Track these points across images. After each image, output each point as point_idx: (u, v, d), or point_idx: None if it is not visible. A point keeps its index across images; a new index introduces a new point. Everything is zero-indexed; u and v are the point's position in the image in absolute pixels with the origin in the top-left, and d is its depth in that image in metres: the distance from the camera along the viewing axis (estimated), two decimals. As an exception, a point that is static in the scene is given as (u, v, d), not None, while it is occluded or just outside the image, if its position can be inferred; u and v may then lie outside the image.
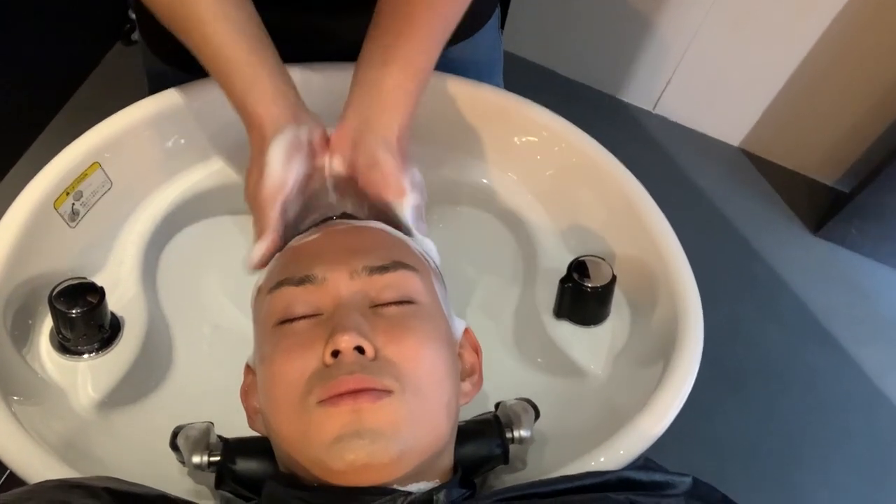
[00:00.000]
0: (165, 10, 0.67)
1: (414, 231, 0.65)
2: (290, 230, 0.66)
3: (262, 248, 0.63)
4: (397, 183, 0.64)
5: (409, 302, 0.56)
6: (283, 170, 0.63)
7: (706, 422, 1.55)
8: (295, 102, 0.67)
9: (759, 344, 1.69)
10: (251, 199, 0.65)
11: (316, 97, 0.83)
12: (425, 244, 0.66)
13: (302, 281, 0.56)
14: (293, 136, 0.64)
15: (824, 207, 1.89)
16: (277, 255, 0.63)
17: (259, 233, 0.63)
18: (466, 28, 0.87)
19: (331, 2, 0.80)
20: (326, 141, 0.68)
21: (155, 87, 0.80)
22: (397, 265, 0.57)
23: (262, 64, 0.66)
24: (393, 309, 0.55)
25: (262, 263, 0.63)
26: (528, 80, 1.97)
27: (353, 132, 0.66)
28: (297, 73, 0.81)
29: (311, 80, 0.81)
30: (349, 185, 0.68)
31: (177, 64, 0.85)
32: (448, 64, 0.85)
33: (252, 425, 0.60)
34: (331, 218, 0.67)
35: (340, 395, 0.48)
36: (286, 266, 0.59)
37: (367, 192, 0.66)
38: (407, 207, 0.65)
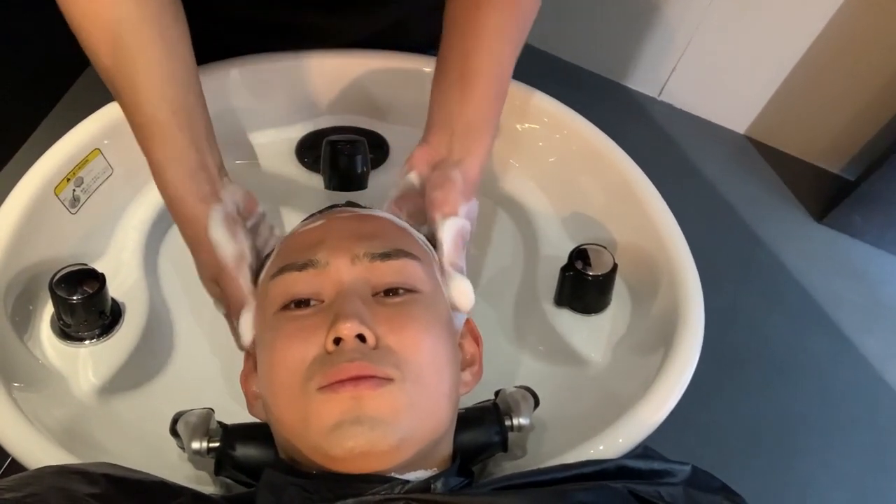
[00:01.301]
0: (102, 71, 0.65)
1: (445, 258, 0.63)
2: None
3: (250, 320, 0.61)
4: (454, 202, 0.63)
5: (410, 290, 0.56)
6: (234, 244, 0.63)
7: (707, 409, 1.55)
8: (215, 176, 0.66)
9: (762, 331, 1.69)
10: (216, 283, 0.64)
11: (308, 85, 0.83)
12: (458, 279, 0.62)
13: (304, 266, 0.56)
14: (224, 214, 0.64)
15: (829, 195, 1.88)
16: (280, 242, 0.63)
17: (238, 306, 0.62)
18: None
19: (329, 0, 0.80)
20: (250, 199, 0.68)
21: None
22: (399, 253, 0.57)
23: (190, 140, 0.64)
24: (394, 297, 0.55)
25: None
26: (533, 66, 1.96)
27: (435, 158, 0.67)
28: (290, 61, 0.81)
29: (303, 67, 0.81)
30: (407, 203, 0.68)
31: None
32: None
33: (251, 411, 0.60)
34: (335, 205, 0.67)
35: (341, 382, 0.49)
36: (289, 252, 0.59)
37: (425, 206, 0.65)
38: (450, 228, 0.63)
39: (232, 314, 0.63)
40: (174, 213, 0.65)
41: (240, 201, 0.67)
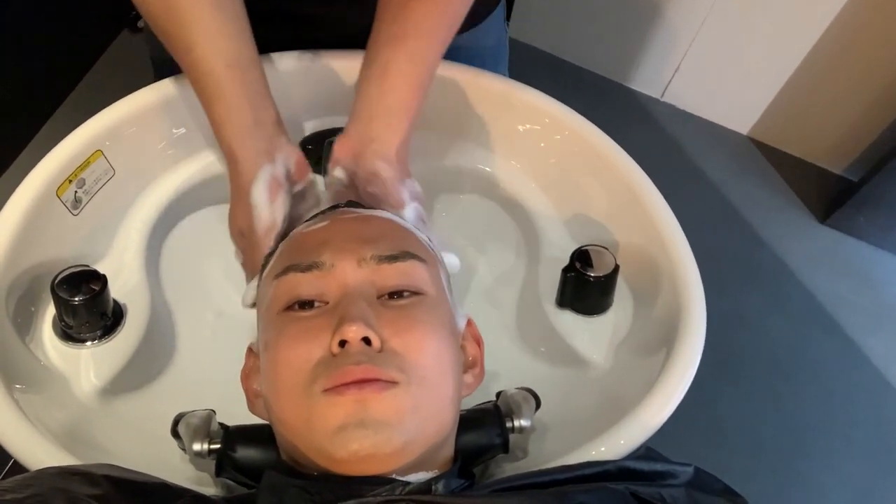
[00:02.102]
0: (160, 34, 0.68)
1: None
2: None
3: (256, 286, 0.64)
4: (396, 195, 0.67)
5: (415, 293, 0.55)
6: (270, 210, 0.66)
7: (710, 411, 1.55)
8: (272, 134, 0.69)
9: (765, 333, 1.68)
10: (242, 236, 0.68)
11: (313, 85, 0.83)
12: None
13: (309, 267, 0.55)
14: (271, 176, 0.67)
15: (832, 196, 1.87)
16: (284, 241, 0.63)
17: (254, 267, 0.65)
18: (471, 17, 0.86)
19: None
20: (303, 165, 0.72)
21: (161, 75, 0.80)
22: (406, 255, 0.57)
23: (244, 95, 0.67)
24: (399, 300, 0.55)
25: None
26: (535, 67, 1.97)
27: (355, 145, 0.69)
28: (295, 61, 0.81)
29: (310, 68, 0.81)
30: (349, 194, 0.70)
31: None
32: (452, 54, 0.85)
33: (252, 409, 0.60)
34: (338, 205, 0.67)
35: (346, 385, 0.49)
36: (293, 252, 0.59)
37: (366, 203, 0.68)
38: (407, 218, 0.67)
39: (247, 271, 0.68)
40: (228, 167, 0.69)
41: (291, 165, 0.70)
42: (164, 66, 0.86)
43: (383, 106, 0.69)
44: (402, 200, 0.67)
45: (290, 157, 0.70)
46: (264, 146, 0.67)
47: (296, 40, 0.81)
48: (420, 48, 0.69)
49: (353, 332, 0.50)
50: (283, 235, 0.66)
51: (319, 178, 0.75)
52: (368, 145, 0.68)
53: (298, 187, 0.71)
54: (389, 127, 0.68)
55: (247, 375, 0.60)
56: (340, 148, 0.70)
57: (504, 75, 0.97)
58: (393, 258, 0.56)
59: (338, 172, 0.70)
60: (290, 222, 0.68)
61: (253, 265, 0.66)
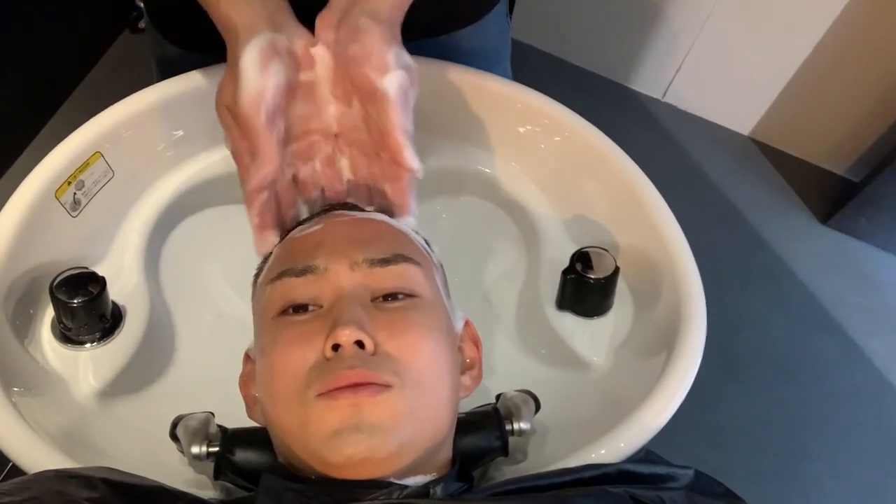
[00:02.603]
0: None
1: (396, 126, 0.58)
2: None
3: (263, 168, 0.57)
4: (380, 55, 0.57)
5: (410, 295, 0.55)
6: (259, 76, 0.56)
7: (711, 412, 1.55)
8: (276, 9, 0.60)
9: (767, 334, 1.68)
10: (226, 110, 0.59)
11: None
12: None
13: (303, 271, 0.55)
14: (268, 42, 0.57)
15: (834, 197, 1.87)
16: (277, 246, 0.63)
17: (254, 150, 0.57)
18: (474, 11, 0.86)
19: None
20: (309, 56, 0.61)
21: (165, 74, 0.79)
22: (399, 258, 0.56)
23: None
24: (394, 302, 0.54)
25: (266, 184, 0.58)
26: (536, 68, 1.97)
27: (339, 13, 0.60)
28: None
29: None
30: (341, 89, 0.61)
31: (188, 46, 0.84)
32: (455, 50, 0.85)
33: (250, 414, 0.60)
34: (332, 208, 0.66)
35: (340, 389, 0.48)
36: (287, 257, 0.59)
37: (348, 75, 0.59)
38: (391, 87, 0.57)
39: (234, 153, 0.59)
40: (227, 44, 0.59)
41: (299, 47, 0.60)
42: (167, 64, 0.86)
43: None
44: (386, 63, 0.57)
45: (297, 36, 0.60)
46: (266, 13, 0.58)
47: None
48: None
49: (347, 336, 0.49)
50: (273, 113, 0.57)
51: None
52: (354, 5, 0.59)
53: (307, 76, 0.61)
54: None
55: (245, 381, 0.60)
56: (322, 20, 0.61)
57: (507, 70, 0.97)
58: (385, 261, 0.56)
59: (319, 52, 0.60)
60: (288, 113, 0.60)
61: (236, 147, 0.58)
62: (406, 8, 0.61)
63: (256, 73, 0.56)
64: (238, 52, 0.57)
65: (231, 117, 0.59)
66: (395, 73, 0.57)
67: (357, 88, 0.60)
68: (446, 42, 0.84)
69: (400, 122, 0.58)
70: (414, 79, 0.60)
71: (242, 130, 0.58)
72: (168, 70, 0.80)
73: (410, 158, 0.59)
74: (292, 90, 0.60)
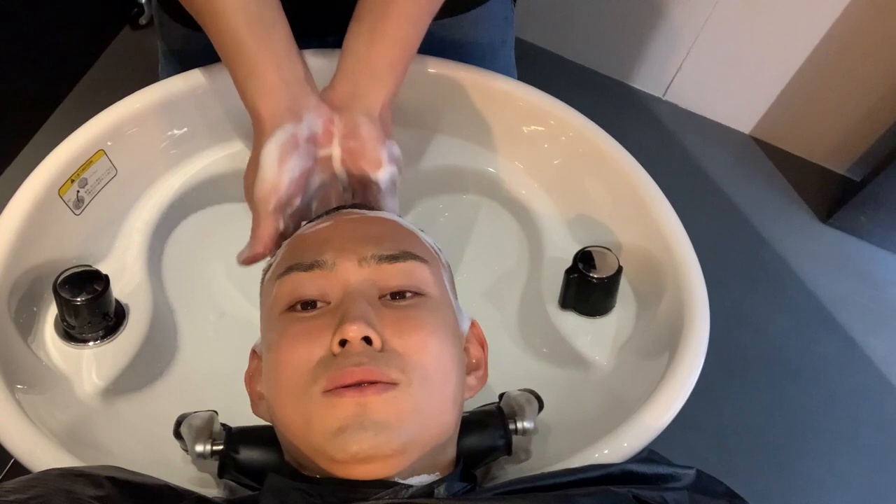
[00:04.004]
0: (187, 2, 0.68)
1: (388, 204, 0.67)
2: (296, 222, 0.67)
3: (249, 249, 0.64)
4: (374, 153, 0.66)
5: (417, 293, 0.55)
6: (276, 171, 0.63)
7: (712, 411, 1.55)
8: (298, 93, 0.66)
9: (767, 332, 1.68)
10: (247, 198, 0.66)
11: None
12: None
13: (311, 266, 0.55)
14: (289, 136, 0.64)
15: (835, 196, 1.87)
16: (286, 241, 0.63)
17: (253, 231, 0.65)
18: None
19: None
20: (330, 130, 0.67)
21: (170, 59, 0.79)
22: (407, 255, 0.56)
23: (268, 52, 0.66)
24: (401, 300, 0.55)
25: (250, 262, 0.65)
26: (537, 65, 1.96)
27: (339, 100, 0.67)
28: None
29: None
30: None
31: (192, 23, 0.83)
32: (460, 33, 0.84)
33: (255, 411, 0.60)
34: (342, 207, 0.67)
35: (346, 386, 0.48)
36: (295, 252, 0.59)
37: (345, 161, 0.67)
38: (383, 180, 0.66)
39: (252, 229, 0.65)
40: (253, 128, 0.66)
41: (319, 127, 0.66)
42: (172, 48, 0.85)
43: (371, 63, 0.68)
44: (379, 160, 0.66)
45: (318, 117, 0.66)
46: (288, 104, 0.65)
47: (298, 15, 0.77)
48: (410, 7, 0.68)
49: (354, 332, 0.49)
50: (285, 202, 0.64)
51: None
52: (353, 101, 0.67)
53: (326, 151, 0.67)
54: (376, 85, 0.67)
55: (250, 377, 0.60)
56: (330, 102, 0.68)
57: (511, 62, 0.97)
58: (393, 258, 0.56)
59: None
60: (309, 191, 0.67)
61: (252, 228, 0.65)
62: (395, 100, 0.70)
63: (275, 167, 0.63)
64: (262, 142, 0.64)
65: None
66: (386, 169, 0.66)
67: (354, 177, 0.68)
68: (451, 33, 0.84)
69: (389, 207, 0.67)
70: (401, 167, 0.68)
71: (252, 211, 0.65)
72: (174, 54, 0.80)
73: None
74: (311, 171, 0.67)
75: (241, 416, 0.62)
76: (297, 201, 0.66)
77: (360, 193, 0.68)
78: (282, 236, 0.65)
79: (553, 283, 0.77)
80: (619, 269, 0.73)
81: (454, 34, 0.84)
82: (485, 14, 0.88)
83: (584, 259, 0.74)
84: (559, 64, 2.05)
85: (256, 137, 0.66)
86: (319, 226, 0.61)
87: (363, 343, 0.50)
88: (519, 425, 0.62)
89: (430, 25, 0.78)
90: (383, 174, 0.66)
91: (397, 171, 0.68)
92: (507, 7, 0.94)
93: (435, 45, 0.78)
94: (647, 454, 0.55)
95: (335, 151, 0.67)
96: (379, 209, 0.66)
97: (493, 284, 0.82)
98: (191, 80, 0.77)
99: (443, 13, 0.71)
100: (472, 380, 0.60)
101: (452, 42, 0.84)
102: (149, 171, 0.79)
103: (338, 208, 0.66)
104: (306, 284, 0.55)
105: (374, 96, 0.67)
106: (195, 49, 0.78)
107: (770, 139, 1.98)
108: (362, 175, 0.66)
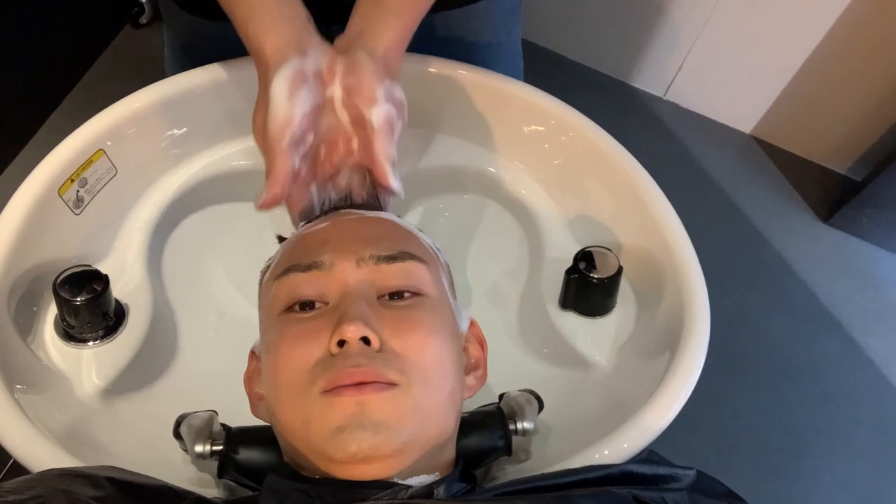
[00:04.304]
0: None
1: (380, 153, 0.63)
2: (308, 165, 0.65)
3: (266, 192, 0.61)
4: (370, 89, 0.62)
5: (415, 293, 0.55)
6: (288, 105, 0.60)
7: (712, 411, 1.55)
8: (301, 29, 0.64)
9: (767, 332, 1.68)
10: (259, 138, 0.63)
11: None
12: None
13: (309, 267, 0.55)
14: (296, 69, 0.61)
15: (835, 196, 1.87)
16: (284, 242, 0.63)
17: (268, 172, 0.61)
18: None
19: None
20: (333, 71, 0.65)
21: (175, 50, 0.78)
22: (405, 255, 0.56)
23: None
24: (400, 300, 0.55)
25: (268, 204, 0.61)
26: (537, 65, 1.95)
27: (344, 45, 0.65)
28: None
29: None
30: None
31: (196, 10, 0.83)
32: (466, 31, 0.84)
33: (254, 411, 0.60)
34: (340, 207, 0.66)
35: (345, 387, 0.48)
36: (293, 253, 0.59)
37: (345, 102, 0.64)
38: (377, 118, 0.62)
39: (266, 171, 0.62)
40: (257, 67, 0.64)
41: (324, 64, 0.64)
42: (187, 44, 0.85)
43: (381, 4, 0.66)
44: (374, 96, 0.62)
45: (322, 55, 0.63)
46: (292, 39, 0.62)
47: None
48: None
49: (352, 332, 0.49)
50: (299, 138, 0.61)
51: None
52: (358, 40, 0.65)
53: (330, 91, 0.65)
54: (383, 24, 0.65)
55: (249, 378, 0.60)
56: (337, 46, 0.67)
57: (517, 49, 0.96)
58: (392, 258, 0.56)
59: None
60: (315, 132, 0.64)
61: (268, 168, 0.62)
62: (405, 46, 0.67)
63: (285, 101, 0.60)
64: (269, 79, 0.61)
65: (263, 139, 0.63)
66: (381, 107, 0.62)
67: (350, 116, 0.64)
68: (459, 16, 0.84)
69: (383, 149, 0.63)
70: (402, 112, 0.65)
71: (264, 152, 0.62)
72: (180, 43, 0.79)
73: (392, 181, 0.64)
74: (320, 108, 0.63)
75: (241, 416, 0.62)
76: (310, 138, 0.63)
77: (361, 137, 0.65)
78: (296, 176, 0.62)
79: (553, 283, 0.77)
80: (620, 270, 0.73)
81: (461, 26, 0.83)
82: (491, 6, 0.88)
83: (585, 259, 0.73)
84: (560, 63, 2.05)
85: (262, 75, 0.63)
86: (318, 226, 0.61)
87: (361, 343, 0.50)
88: (519, 426, 0.62)
89: (436, 19, 0.78)
90: (377, 112, 0.62)
91: (395, 114, 0.64)
92: None
93: (439, 38, 0.78)
94: (647, 455, 0.55)
95: (336, 92, 0.64)
96: (375, 153, 0.63)
97: (493, 284, 0.82)
98: (191, 79, 0.77)
99: (450, 3, 0.71)
100: (471, 380, 0.60)
101: (457, 36, 0.84)
102: (149, 171, 0.79)
103: (336, 209, 0.66)
104: (304, 285, 0.55)
105: (380, 34, 0.65)
106: (201, 37, 0.78)
107: (771, 139, 1.98)
108: (357, 114, 0.63)
